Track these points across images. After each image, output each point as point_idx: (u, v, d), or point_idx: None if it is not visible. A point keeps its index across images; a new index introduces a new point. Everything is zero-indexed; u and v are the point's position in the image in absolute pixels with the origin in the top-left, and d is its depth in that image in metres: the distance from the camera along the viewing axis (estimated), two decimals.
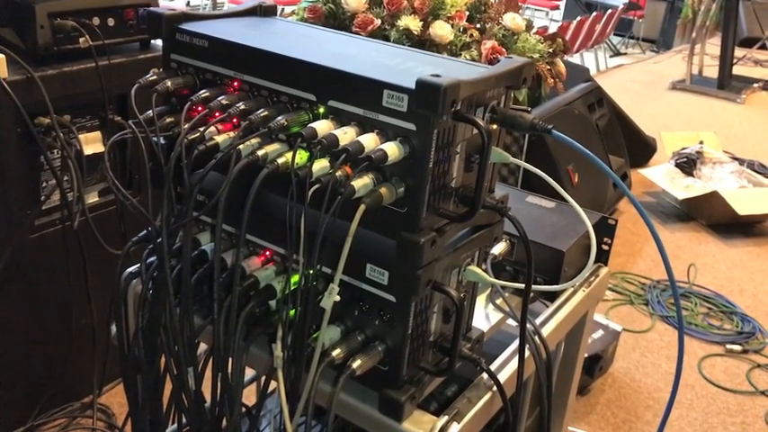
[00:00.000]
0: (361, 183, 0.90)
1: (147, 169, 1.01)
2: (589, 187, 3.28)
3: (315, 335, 0.99)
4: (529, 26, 3.35)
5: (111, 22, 1.88)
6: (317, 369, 0.94)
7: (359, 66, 0.96)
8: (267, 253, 1.09)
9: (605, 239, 1.48)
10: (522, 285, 1.06)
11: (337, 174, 0.90)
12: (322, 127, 0.93)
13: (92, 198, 1.96)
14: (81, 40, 1.79)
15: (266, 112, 0.96)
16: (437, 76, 0.86)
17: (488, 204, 1.00)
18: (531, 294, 1.32)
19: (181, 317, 1.01)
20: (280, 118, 0.95)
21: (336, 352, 0.98)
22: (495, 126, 1.01)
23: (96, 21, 1.84)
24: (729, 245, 3.55)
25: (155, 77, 1.06)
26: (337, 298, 0.91)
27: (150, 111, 1.03)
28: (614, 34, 8.65)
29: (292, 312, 0.98)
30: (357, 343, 1.01)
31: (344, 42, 1.11)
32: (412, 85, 0.88)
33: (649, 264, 3.29)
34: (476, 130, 0.98)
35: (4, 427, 1.92)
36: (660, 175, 3.83)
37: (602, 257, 1.50)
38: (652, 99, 6.11)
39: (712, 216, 3.65)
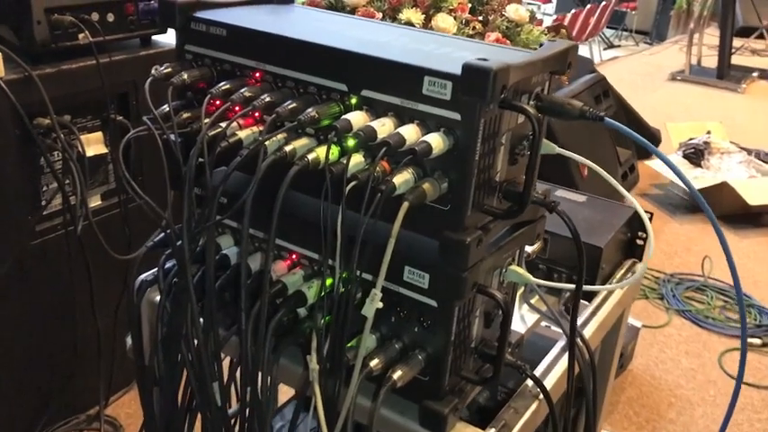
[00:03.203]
0: (402, 179, 0.83)
1: (165, 169, 0.94)
2: (599, 180, 3.21)
3: (348, 344, 0.91)
4: (532, 17, 3.29)
5: (110, 17, 1.80)
6: (357, 382, 0.87)
7: (394, 52, 0.89)
8: (293, 256, 1.02)
9: (639, 234, 1.42)
10: (572, 286, 0.98)
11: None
12: (357, 119, 0.85)
13: (94, 201, 1.88)
14: (80, 36, 1.71)
15: (294, 105, 0.89)
16: (484, 59, 0.79)
17: (536, 200, 0.93)
18: (568, 294, 1.25)
19: (205, 327, 0.93)
20: (310, 110, 0.87)
21: (374, 362, 0.91)
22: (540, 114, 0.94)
23: (95, 16, 1.75)
24: (740, 236, 3.49)
25: (169, 70, 0.99)
26: (380, 305, 0.83)
27: (165, 106, 0.95)
28: (607, 27, 8.59)
29: (325, 320, 0.91)
30: (395, 352, 0.94)
31: (372, 29, 1.03)
32: (455, 71, 0.80)
33: (661, 257, 3.23)
34: (520, 119, 0.91)
35: None
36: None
37: (637, 252, 1.43)
38: (652, 90, 6.06)
39: (722, 207, 3.58)
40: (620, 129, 0.90)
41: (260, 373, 0.92)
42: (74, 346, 1.90)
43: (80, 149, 1.73)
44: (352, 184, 0.82)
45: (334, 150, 0.87)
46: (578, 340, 1.14)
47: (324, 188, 0.84)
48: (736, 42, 6.89)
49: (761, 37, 7.51)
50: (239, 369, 0.95)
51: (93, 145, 1.79)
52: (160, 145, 0.93)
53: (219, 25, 0.98)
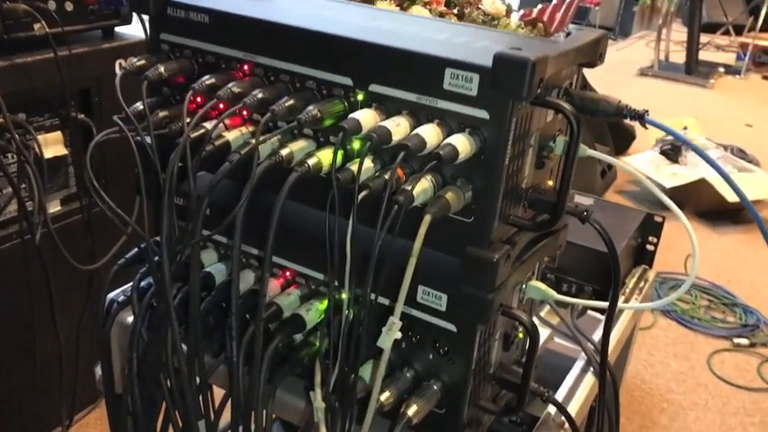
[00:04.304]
0: (421, 188, 0.72)
1: (141, 177, 0.81)
2: (577, 177, 3.14)
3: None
4: (509, 10, 3.21)
5: (69, 6, 1.65)
6: (370, 422, 0.75)
7: (406, 41, 0.77)
8: (287, 274, 0.90)
9: (650, 239, 1.33)
10: (603, 304, 0.88)
11: (387, 176, 0.71)
12: (366, 118, 0.74)
13: (53, 207, 1.73)
14: (36, 26, 1.55)
15: (292, 102, 0.77)
16: (518, 49, 0.68)
17: (569, 209, 0.82)
18: (581, 308, 1.16)
19: (189, 356, 0.81)
20: (311, 108, 0.75)
21: (385, 396, 0.80)
22: None
23: (52, 5, 1.60)
24: (720, 233, 3.45)
25: (143, 62, 0.86)
26: (398, 335, 0.72)
27: (138, 103, 0.83)
28: (571, 22, 8.57)
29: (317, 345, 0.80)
30: (407, 382, 0.83)
31: (376, 15, 0.92)
32: (482, 62, 0.69)
33: None
34: (549, 117, 0.81)
35: None
36: (645, 162, 3.71)
37: (647, 258, 1.34)
38: (622, 85, 6.03)
39: (700, 204, 3.54)
40: (662, 127, 0.80)
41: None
42: (33, 364, 1.75)
43: (37, 151, 1.58)
44: (364, 193, 0.71)
45: (331, 154, 0.76)
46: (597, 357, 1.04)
47: (330, 199, 0.72)
48: (702, 38, 6.91)
49: (726, 33, 7.54)
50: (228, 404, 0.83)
51: (52, 146, 1.64)
52: (134, 148, 0.80)
53: (201, 11, 0.85)
